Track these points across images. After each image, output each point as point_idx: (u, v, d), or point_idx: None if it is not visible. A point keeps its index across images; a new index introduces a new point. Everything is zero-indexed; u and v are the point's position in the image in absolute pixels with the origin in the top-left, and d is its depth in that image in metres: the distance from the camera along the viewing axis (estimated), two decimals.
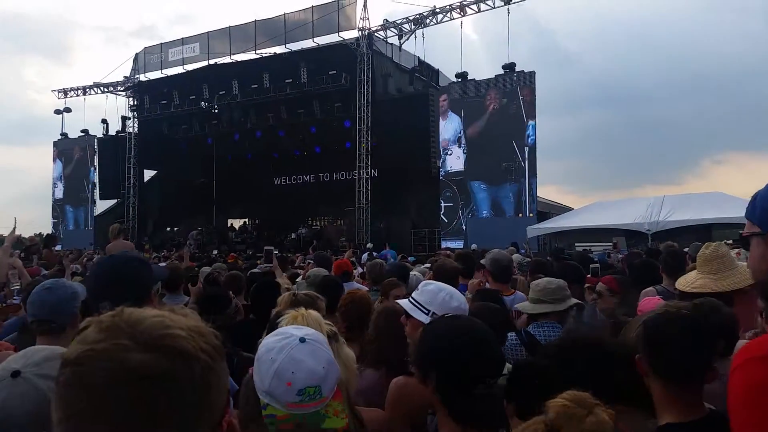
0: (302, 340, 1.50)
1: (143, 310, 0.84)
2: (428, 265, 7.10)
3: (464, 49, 22.67)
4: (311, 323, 1.83)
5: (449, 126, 22.38)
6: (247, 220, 33.27)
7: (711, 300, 2.69)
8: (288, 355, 1.46)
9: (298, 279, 6.14)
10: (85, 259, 11.01)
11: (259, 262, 10.80)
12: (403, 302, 2.61)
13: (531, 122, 20.39)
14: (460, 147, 22.15)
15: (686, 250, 6.69)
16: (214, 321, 3.57)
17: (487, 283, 4.84)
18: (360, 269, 8.31)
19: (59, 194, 33.35)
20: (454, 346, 1.78)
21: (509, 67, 21.09)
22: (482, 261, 5.35)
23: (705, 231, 13.56)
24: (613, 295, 4.30)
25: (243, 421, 1.54)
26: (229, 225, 33.69)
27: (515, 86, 20.75)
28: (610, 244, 15.78)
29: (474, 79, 22.08)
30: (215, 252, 20.86)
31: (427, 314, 2.49)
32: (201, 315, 3.14)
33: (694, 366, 1.81)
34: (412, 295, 2.59)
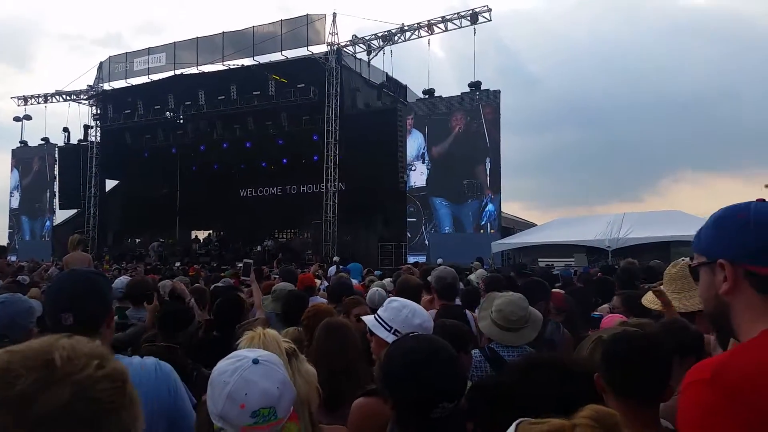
0: (255, 361, 1.49)
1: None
2: (392, 279, 7.13)
3: (431, 66, 23.01)
4: (269, 342, 1.80)
5: (413, 143, 22.65)
6: (212, 231, 32.80)
7: (679, 319, 2.78)
8: (241, 377, 1.45)
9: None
10: (43, 270, 10.72)
11: (222, 275, 10.68)
12: (368, 319, 2.63)
13: (494, 140, 20.72)
14: (423, 163, 22.37)
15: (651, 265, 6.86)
16: (174, 338, 3.53)
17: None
18: (326, 283, 8.29)
19: (15, 203, 32.40)
20: (411, 368, 1.75)
21: (475, 85, 21.42)
22: (429, 278, 5.34)
23: (663, 248, 13.89)
24: (559, 313, 4.33)
25: None
26: (193, 237, 33.16)
27: (479, 104, 21.08)
28: (572, 259, 16.07)
29: (440, 96, 22.35)
30: (177, 264, 20.50)
31: (389, 331, 2.51)
32: (161, 332, 3.12)
33: (649, 384, 1.84)
34: (378, 311, 2.61)
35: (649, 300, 3.22)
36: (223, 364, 1.51)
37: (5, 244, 27.78)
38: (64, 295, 1.90)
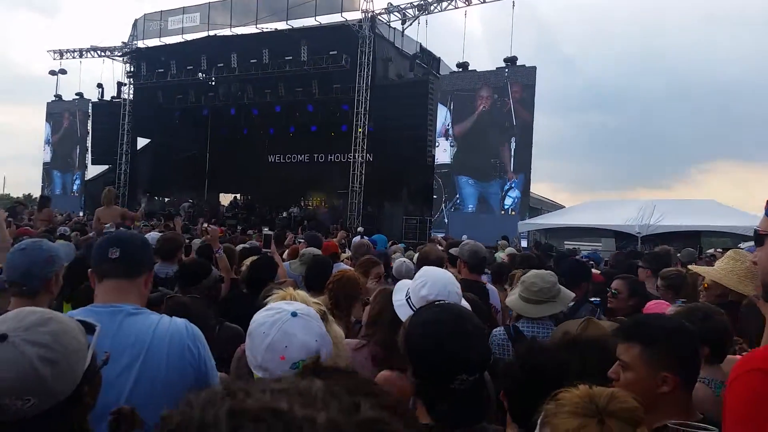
0: (294, 314, 1.51)
1: None
2: (415, 252, 7.09)
3: (466, 39, 22.51)
4: (299, 302, 1.82)
5: (438, 119, 22.33)
6: (239, 195, 33.09)
7: (706, 306, 2.70)
8: (280, 330, 1.47)
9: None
10: (73, 223, 10.91)
11: (246, 238, 10.76)
12: (399, 303, 2.55)
13: (523, 119, 20.35)
14: (447, 140, 22.11)
15: (679, 255, 6.74)
16: (189, 291, 3.58)
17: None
18: (349, 252, 8.28)
19: (47, 157, 32.99)
20: (432, 338, 1.71)
21: (511, 60, 20.98)
22: (452, 251, 5.28)
23: (694, 237, 13.66)
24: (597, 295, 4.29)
25: None
26: (220, 199, 33.51)
27: (512, 81, 20.66)
28: (599, 244, 15.88)
29: (475, 70, 21.96)
30: (205, 225, 20.73)
31: (406, 302, 2.46)
32: (179, 284, 3.17)
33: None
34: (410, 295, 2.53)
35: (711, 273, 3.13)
36: (261, 316, 1.51)
37: (48, 195, 28.44)
38: (112, 237, 2.00)
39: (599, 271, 5.24)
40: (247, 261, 4.84)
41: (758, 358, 1.10)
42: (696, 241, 13.08)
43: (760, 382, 1.04)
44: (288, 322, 1.48)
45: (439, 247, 7.16)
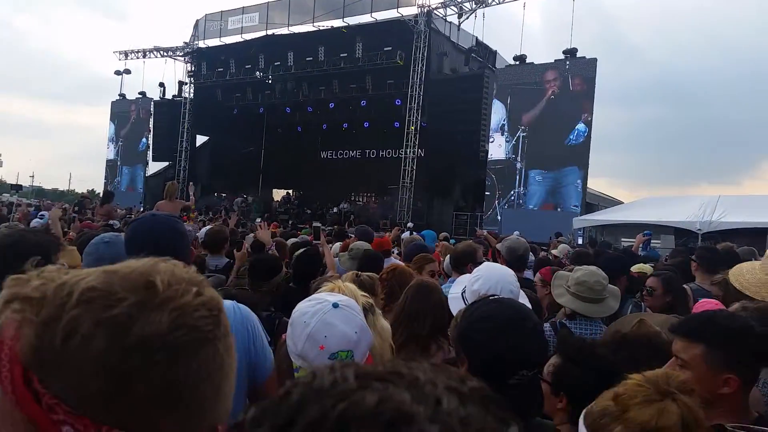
0: (335, 305, 1.53)
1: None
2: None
3: (524, 32, 22.14)
4: (347, 294, 1.84)
5: (493, 114, 22.02)
6: (291, 191, 33.64)
7: (766, 304, 2.58)
8: (321, 320, 1.49)
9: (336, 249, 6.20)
10: (133, 217, 11.34)
11: (300, 233, 10.95)
12: (455, 299, 2.58)
13: (585, 113, 19.87)
14: (502, 135, 21.79)
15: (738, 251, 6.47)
16: (262, 286, 3.64)
17: None
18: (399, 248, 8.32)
19: (111, 155, 34.35)
20: (491, 333, 1.69)
21: (570, 52, 20.50)
22: (498, 246, 5.22)
23: (760, 235, 13.01)
24: (545, 286, 4.13)
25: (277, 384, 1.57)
26: (273, 195, 34.15)
27: (572, 73, 20.20)
28: (659, 241, 15.34)
29: (533, 63, 21.57)
30: (258, 220, 21.20)
31: (461, 296, 2.50)
32: (251, 279, 3.20)
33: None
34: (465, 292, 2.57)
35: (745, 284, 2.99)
36: (303, 306, 1.55)
37: (111, 191, 29.64)
38: (146, 234, 1.97)
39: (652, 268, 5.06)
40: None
41: None
42: (762, 239, 12.46)
43: None
44: (329, 313, 1.50)
45: (488, 242, 7.11)
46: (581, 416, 1.30)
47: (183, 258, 1.93)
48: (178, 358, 0.69)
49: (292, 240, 7.36)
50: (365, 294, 1.99)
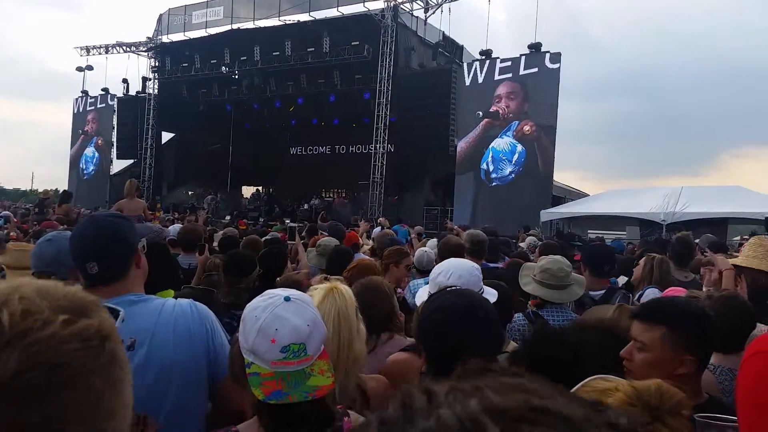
0: (287, 299, 1.52)
1: None
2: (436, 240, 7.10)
3: (490, 27, 22.30)
4: (345, 297, 1.89)
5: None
6: (260, 188, 33.36)
7: (730, 293, 2.69)
8: (272, 313, 1.47)
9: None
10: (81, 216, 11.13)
11: (270, 230, 10.88)
12: (422, 296, 2.61)
13: (550, 106, 20.09)
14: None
15: (697, 241, 6.64)
16: (236, 284, 3.59)
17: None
18: (371, 243, 8.31)
19: (74, 153, 33.58)
20: (445, 323, 1.75)
21: (535, 46, 20.72)
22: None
23: (721, 225, 13.39)
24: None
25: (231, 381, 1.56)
26: (243, 192, 33.81)
27: (537, 67, 20.39)
28: (624, 232, 15.66)
29: (498, 57, 21.73)
30: (228, 218, 21.01)
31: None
32: (227, 276, 3.14)
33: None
34: (429, 288, 2.59)
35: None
36: (255, 301, 1.55)
37: (70, 191, 28.97)
38: (86, 244, 1.90)
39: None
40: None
41: (763, 340, 1.11)
42: (723, 229, 12.84)
43: (763, 365, 1.04)
44: (280, 306, 1.48)
45: (459, 235, 7.16)
46: None
47: (119, 263, 1.88)
48: (29, 403, 0.59)
49: (263, 238, 7.28)
50: (353, 299, 2.02)
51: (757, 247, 3.26)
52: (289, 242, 6.89)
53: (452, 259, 2.72)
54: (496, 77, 21.26)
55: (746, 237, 8.32)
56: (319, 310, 1.73)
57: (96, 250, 1.85)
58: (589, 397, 1.16)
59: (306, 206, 26.49)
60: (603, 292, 3.72)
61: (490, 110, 21.33)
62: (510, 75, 20.98)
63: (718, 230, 11.62)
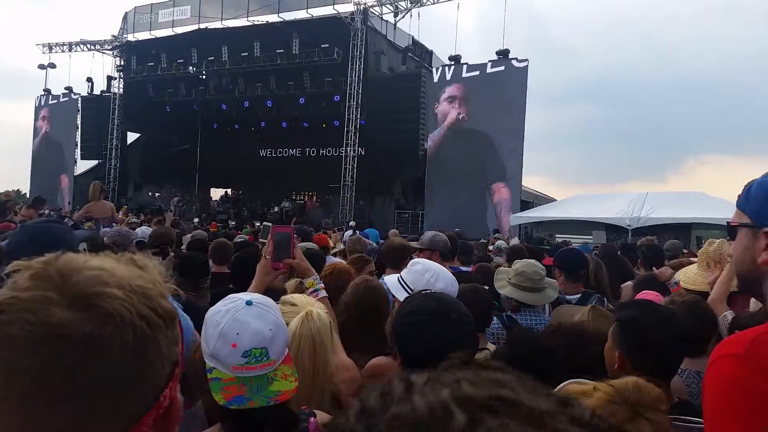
0: (249, 303, 1.50)
1: (85, 258, 0.74)
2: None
3: (459, 33, 22.50)
4: (322, 319, 1.85)
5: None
6: (230, 190, 32.97)
7: (701, 300, 2.74)
8: (233, 317, 1.45)
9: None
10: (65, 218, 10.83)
11: (239, 233, 10.73)
12: (391, 281, 2.59)
13: (517, 111, 20.34)
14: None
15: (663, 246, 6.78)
16: (198, 285, 3.51)
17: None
18: (342, 246, 8.28)
19: (36, 153, 32.70)
20: (417, 326, 1.75)
21: (503, 53, 20.98)
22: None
23: (685, 229, 13.72)
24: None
25: (192, 386, 1.53)
26: (211, 194, 33.37)
27: (504, 73, 20.64)
28: (590, 236, 15.92)
29: (467, 63, 21.93)
30: (196, 220, 20.69)
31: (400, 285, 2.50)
32: (184, 278, 3.07)
33: (667, 360, 1.91)
34: (401, 274, 2.57)
35: (685, 280, 3.20)
36: (217, 305, 1.53)
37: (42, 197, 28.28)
38: (27, 252, 1.85)
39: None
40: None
41: (729, 343, 1.13)
42: (687, 233, 13.15)
43: (729, 368, 1.05)
44: (242, 311, 1.46)
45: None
46: None
47: (71, 249, 1.84)
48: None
49: (235, 240, 7.18)
50: (328, 311, 2.01)
51: (705, 255, 3.18)
52: (261, 240, 6.81)
53: (437, 266, 2.70)
54: (463, 80, 21.49)
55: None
56: (295, 337, 1.73)
57: (35, 256, 1.80)
58: None
59: (276, 209, 26.27)
60: (579, 296, 3.76)
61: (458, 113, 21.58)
62: (477, 74, 21.17)
63: (683, 235, 11.91)
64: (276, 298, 1.79)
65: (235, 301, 1.51)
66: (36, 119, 32.90)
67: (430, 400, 0.41)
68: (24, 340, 0.65)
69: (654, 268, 4.38)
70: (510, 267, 3.71)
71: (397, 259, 4.29)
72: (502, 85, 20.50)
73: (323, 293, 2.30)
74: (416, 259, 2.97)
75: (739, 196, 1.27)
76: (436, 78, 22.31)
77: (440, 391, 0.42)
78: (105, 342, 0.66)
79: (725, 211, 13.41)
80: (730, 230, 1.28)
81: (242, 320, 1.44)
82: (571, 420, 0.42)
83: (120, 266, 0.75)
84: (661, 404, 1.20)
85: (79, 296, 0.68)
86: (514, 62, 20.66)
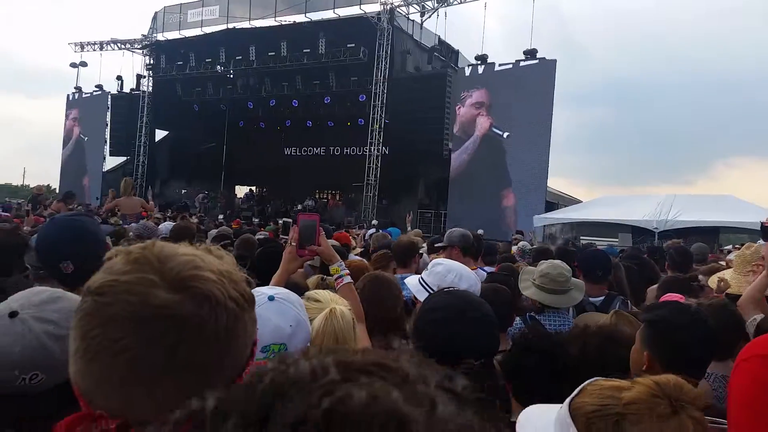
0: (271, 298, 1.50)
1: (175, 246, 0.78)
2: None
3: (486, 32, 22.38)
4: (345, 317, 1.84)
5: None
6: (254, 187, 33.23)
7: (721, 300, 2.69)
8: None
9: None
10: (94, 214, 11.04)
11: (261, 230, 10.82)
12: (412, 282, 2.59)
13: (544, 112, 20.14)
14: None
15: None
16: None
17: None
18: (360, 249, 8.30)
19: (67, 149, 33.35)
20: (438, 323, 1.76)
21: (530, 53, 20.78)
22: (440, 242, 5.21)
23: (712, 233, 13.47)
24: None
25: None
26: (236, 192, 33.68)
27: (531, 73, 20.45)
28: (616, 239, 15.71)
29: (494, 63, 21.78)
30: (221, 217, 20.92)
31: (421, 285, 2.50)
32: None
33: (707, 364, 1.94)
34: (422, 275, 2.57)
35: (735, 285, 3.13)
36: None
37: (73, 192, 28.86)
38: (57, 245, 1.89)
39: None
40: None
41: (758, 344, 1.10)
42: (714, 237, 12.92)
43: (759, 368, 1.03)
44: (263, 306, 1.46)
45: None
46: (565, 405, 1.18)
47: (94, 259, 1.85)
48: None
49: (258, 236, 7.24)
50: (349, 307, 2.01)
51: (747, 264, 3.15)
52: (281, 236, 6.87)
53: (460, 265, 2.68)
54: (492, 81, 21.35)
55: (737, 246, 8.35)
56: (318, 335, 1.73)
57: (67, 248, 1.84)
58: (601, 393, 1.16)
59: (299, 207, 26.41)
60: (603, 298, 3.70)
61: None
62: (510, 67, 21.01)
63: (710, 239, 11.68)
64: (299, 294, 1.80)
65: (258, 295, 1.47)
66: (67, 116, 33.55)
67: (314, 364, 0.45)
68: (125, 320, 0.69)
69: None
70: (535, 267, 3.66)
71: (405, 258, 4.26)
72: (530, 84, 20.27)
73: (348, 278, 2.29)
74: (437, 260, 2.94)
75: None
76: (467, 72, 22.20)
77: (326, 358, 0.46)
78: (203, 321, 0.71)
79: (754, 214, 13.14)
80: (764, 232, 1.27)
81: (263, 316, 1.40)
82: (438, 386, 0.44)
83: (205, 254, 0.79)
84: (701, 403, 1.18)
85: (177, 279, 0.72)
86: (542, 60, 20.46)
